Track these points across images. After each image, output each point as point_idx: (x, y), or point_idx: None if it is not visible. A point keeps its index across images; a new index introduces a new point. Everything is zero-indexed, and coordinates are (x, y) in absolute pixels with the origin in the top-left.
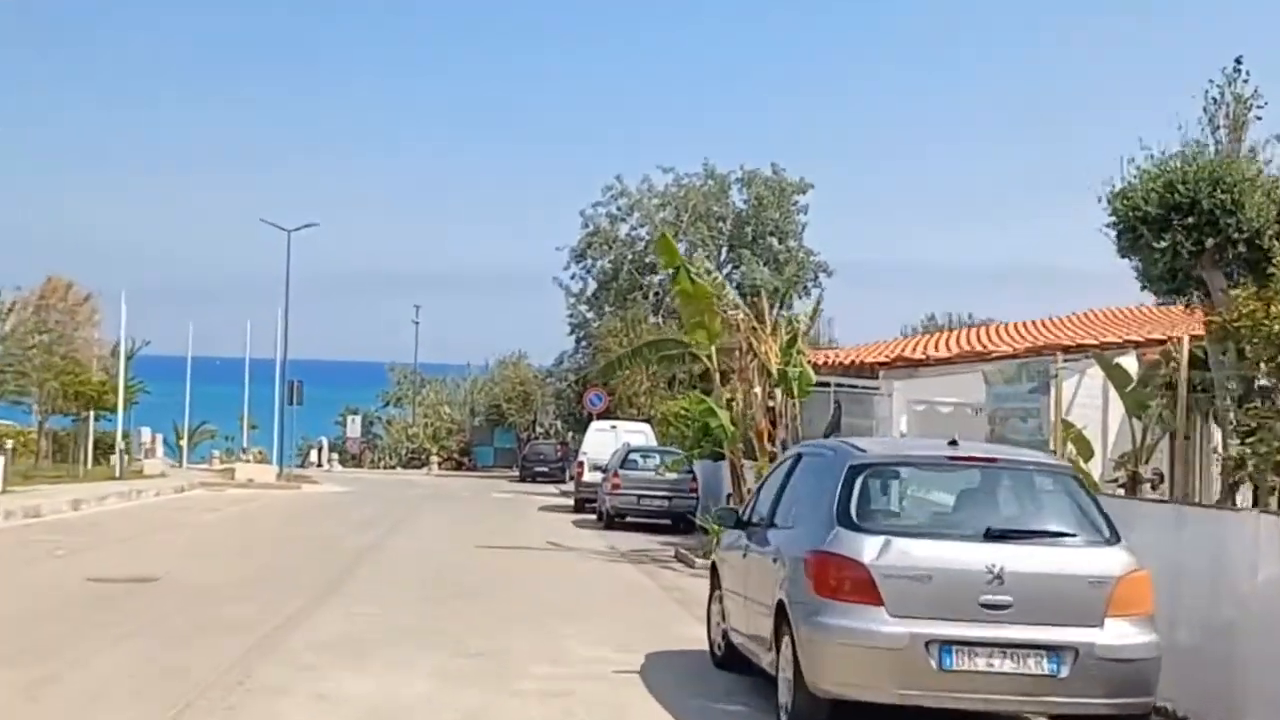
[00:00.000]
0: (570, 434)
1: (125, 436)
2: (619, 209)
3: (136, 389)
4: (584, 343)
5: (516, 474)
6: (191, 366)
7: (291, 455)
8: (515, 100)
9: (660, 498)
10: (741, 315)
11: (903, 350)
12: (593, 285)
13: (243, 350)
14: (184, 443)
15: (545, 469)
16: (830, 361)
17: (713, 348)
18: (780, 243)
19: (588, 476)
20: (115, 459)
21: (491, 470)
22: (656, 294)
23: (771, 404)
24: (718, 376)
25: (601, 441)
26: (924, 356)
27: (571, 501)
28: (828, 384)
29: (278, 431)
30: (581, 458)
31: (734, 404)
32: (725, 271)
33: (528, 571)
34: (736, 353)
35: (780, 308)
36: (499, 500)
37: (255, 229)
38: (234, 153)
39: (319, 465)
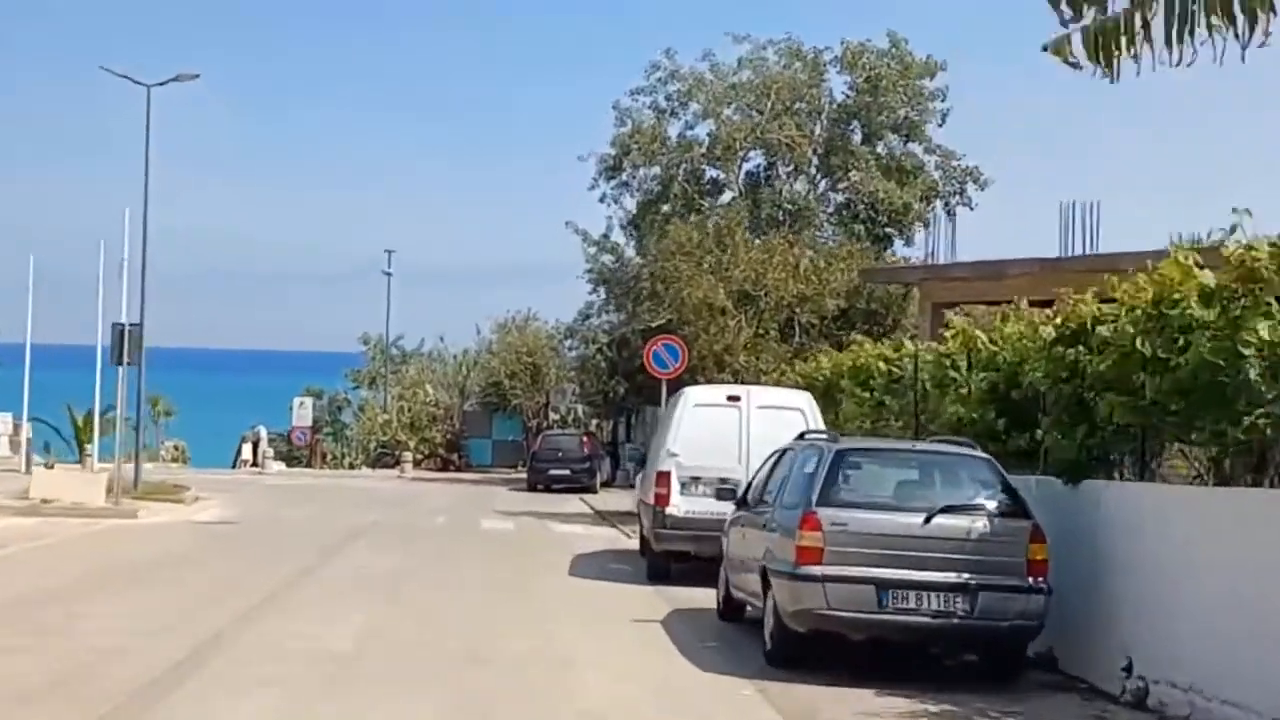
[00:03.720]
0: (595, 421)
1: None
2: (669, 97)
3: None
4: (617, 289)
5: (522, 478)
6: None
7: (230, 451)
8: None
9: (950, 587)
10: None
11: None
12: (627, 209)
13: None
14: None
15: (565, 472)
16: None
17: None
18: (906, 142)
19: (682, 504)
20: None
21: (489, 470)
22: (718, 223)
23: None
24: None
25: (710, 430)
26: None
27: (633, 541)
28: None
29: (120, 419)
30: (667, 466)
31: None
32: (821, 189)
33: None
34: None
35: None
36: (492, 539)
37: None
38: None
39: (252, 465)
